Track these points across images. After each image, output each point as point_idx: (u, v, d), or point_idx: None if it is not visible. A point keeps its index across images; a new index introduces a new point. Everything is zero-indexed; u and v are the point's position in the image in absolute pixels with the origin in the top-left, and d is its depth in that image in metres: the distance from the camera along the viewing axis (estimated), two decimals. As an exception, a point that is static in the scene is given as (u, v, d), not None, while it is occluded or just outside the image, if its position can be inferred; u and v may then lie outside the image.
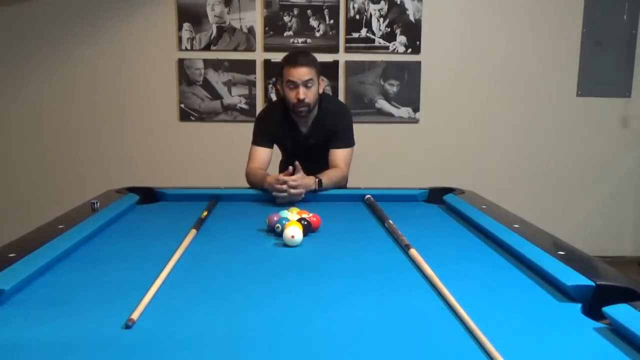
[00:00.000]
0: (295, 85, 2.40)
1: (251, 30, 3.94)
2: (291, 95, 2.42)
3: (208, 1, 3.90)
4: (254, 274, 1.45)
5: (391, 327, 1.13)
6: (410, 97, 4.07)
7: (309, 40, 3.96)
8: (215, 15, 3.91)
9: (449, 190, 2.35)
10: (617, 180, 4.26)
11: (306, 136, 2.55)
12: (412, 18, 3.99)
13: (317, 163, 2.45)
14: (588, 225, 4.24)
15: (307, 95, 2.41)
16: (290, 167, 2.25)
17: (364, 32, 3.98)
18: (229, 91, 4.00)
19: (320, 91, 2.51)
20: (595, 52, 4.08)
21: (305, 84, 2.40)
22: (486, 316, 1.15)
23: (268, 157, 2.56)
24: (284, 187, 2.19)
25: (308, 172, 2.29)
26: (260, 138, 2.56)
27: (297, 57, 2.46)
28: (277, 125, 2.55)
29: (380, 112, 4.08)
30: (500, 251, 1.63)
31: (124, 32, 3.92)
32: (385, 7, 3.97)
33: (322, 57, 3.92)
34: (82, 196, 2.23)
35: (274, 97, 3.89)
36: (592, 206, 4.28)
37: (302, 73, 2.39)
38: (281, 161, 2.75)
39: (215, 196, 2.28)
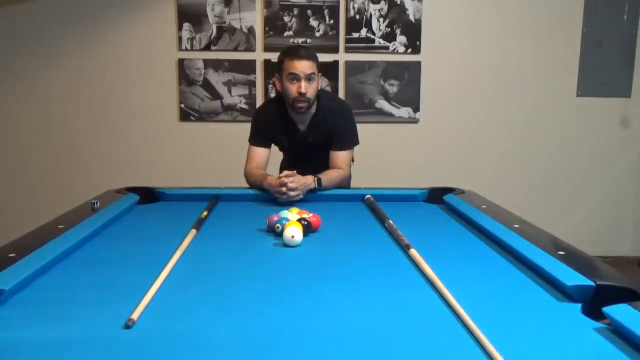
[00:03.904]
0: (297, 79, 2.34)
1: (251, 30, 3.94)
2: (292, 89, 2.36)
3: (208, 1, 3.90)
4: (254, 274, 1.45)
5: (391, 327, 1.13)
6: (410, 97, 4.07)
7: (309, 40, 3.96)
8: (215, 15, 3.92)
9: (449, 190, 2.34)
10: (616, 180, 4.26)
11: (304, 134, 2.51)
12: (412, 18, 3.99)
13: (315, 162, 2.42)
14: (588, 225, 4.24)
15: (308, 89, 2.35)
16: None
17: (364, 32, 3.98)
18: (229, 91, 4.00)
19: (319, 88, 2.48)
20: (595, 52, 4.08)
21: (308, 78, 2.35)
22: (486, 316, 1.15)
23: (266, 157, 2.53)
24: (283, 189, 2.19)
25: (306, 172, 2.28)
26: (258, 138, 2.53)
27: (300, 50, 2.41)
28: (275, 123, 2.51)
29: (380, 112, 4.08)
30: (500, 251, 1.63)
31: (124, 32, 3.92)
32: (385, 7, 3.97)
33: (322, 57, 3.89)
34: (82, 196, 2.23)
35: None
36: (592, 206, 4.27)
37: (305, 66, 2.34)
38: (282, 161, 2.73)
39: (215, 196, 2.28)
